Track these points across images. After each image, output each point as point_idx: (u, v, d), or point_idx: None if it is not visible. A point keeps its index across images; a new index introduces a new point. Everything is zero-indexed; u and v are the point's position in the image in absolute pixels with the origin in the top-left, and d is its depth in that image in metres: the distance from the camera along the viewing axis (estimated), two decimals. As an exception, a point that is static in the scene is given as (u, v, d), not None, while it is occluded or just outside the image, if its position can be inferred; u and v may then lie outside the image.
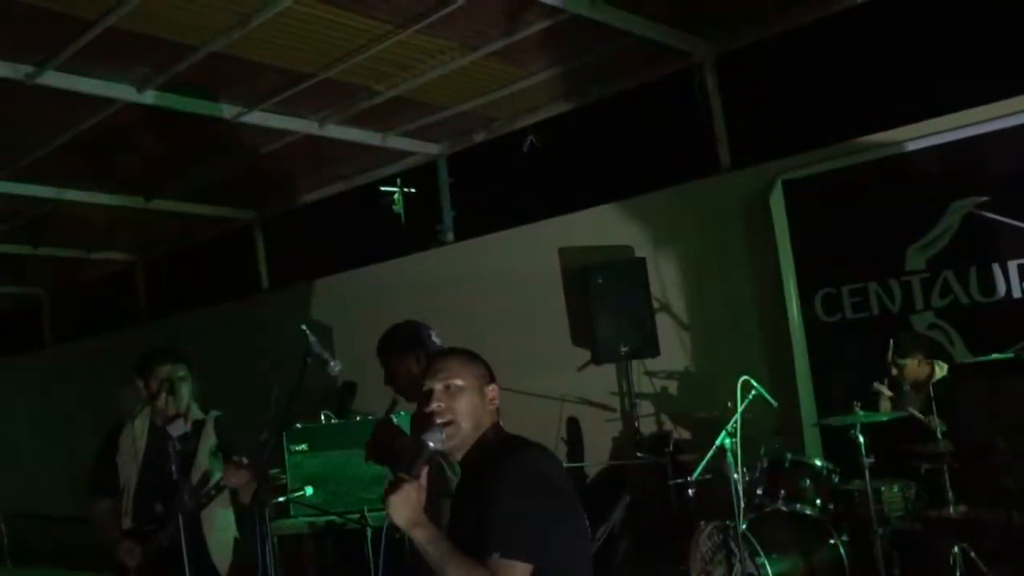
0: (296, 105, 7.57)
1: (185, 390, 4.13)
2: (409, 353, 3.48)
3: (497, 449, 2.50)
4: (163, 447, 4.06)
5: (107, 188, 9.26)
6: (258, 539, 4.13)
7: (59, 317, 14.31)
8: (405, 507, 2.32)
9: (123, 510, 4.10)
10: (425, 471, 2.41)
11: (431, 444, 2.44)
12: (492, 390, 2.61)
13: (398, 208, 14.00)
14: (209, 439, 4.13)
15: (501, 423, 2.65)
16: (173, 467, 2.53)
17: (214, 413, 4.25)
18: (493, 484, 2.36)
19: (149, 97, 6.97)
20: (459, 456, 2.57)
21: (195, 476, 4.07)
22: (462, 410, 2.52)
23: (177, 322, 11.69)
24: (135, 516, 4.07)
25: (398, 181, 12.03)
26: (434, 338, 3.58)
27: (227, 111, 7.43)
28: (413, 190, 9.32)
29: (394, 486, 2.35)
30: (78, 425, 11.81)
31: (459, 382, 2.55)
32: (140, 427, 4.13)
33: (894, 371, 5.45)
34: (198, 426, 4.15)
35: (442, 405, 2.52)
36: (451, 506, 2.61)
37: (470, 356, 2.67)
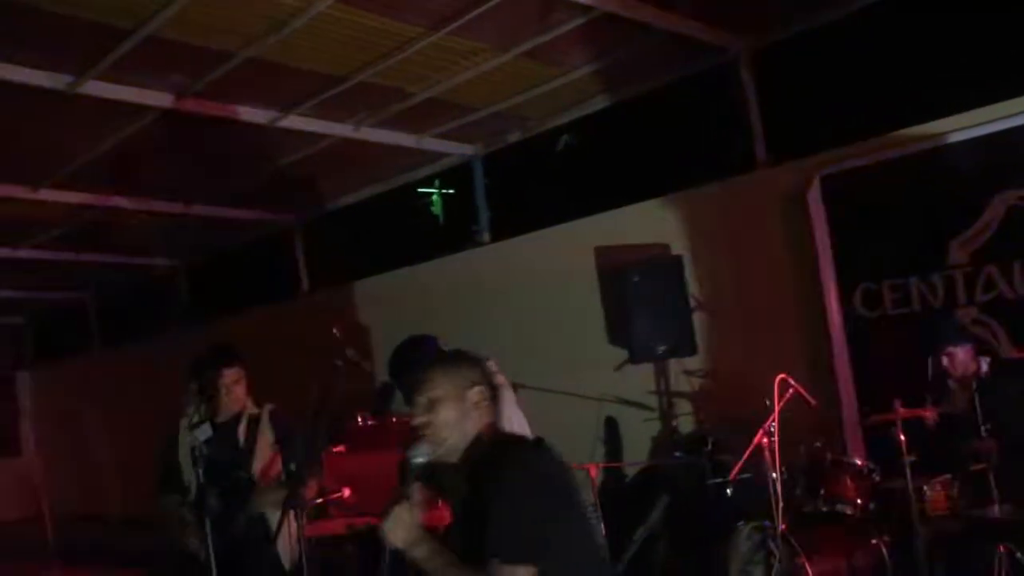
0: (332, 109, 7.62)
1: (239, 391, 4.20)
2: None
3: (491, 451, 2.51)
4: (222, 445, 4.15)
5: (147, 195, 9.39)
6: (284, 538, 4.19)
7: (106, 321, 14.57)
8: (398, 528, 2.38)
9: (186, 507, 4.18)
10: (417, 487, 2.46)
11: (416, 459, 2.48)
12: (475, 393, 2.61)
13: (436, 210, 14.11)
14: (266, 432, 4.21)
15: (506, 424, 2.68)
16: (200, 471, 2.56)
17: (268, 406, 4.32)
18: (491, 487, 2.37)
19: (187, 104, 7.05)
20: (456, 460, 2.59)
21: (256, 468, 4.14)
22: (441, 421, 2.55)
23: (219, 325, 11.83)
24: (197, 511, 4.14)
25: (436, 183, 12.11)
26: (442, 347, 3.49)
27: (264, 116, 7.49)
28: (451, 191, 9.34)
29: (384, 511, 2.40)
30: (127, 427, 12.05)
31: (437, 393, 2.59)
32: (200, 431, 4.20)
33: (944, 361, 5.29)
34: (254, 421, 4.23)
35: (423, 419, 2.56)
36: (454, 513, 2.62)
37: (452, 364, 2.71)
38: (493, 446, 2.53)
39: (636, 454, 7.83)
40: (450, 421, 2.55)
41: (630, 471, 7.87)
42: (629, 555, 6.97)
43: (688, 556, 6.40)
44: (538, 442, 2.65)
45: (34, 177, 8.51)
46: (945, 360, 5.19)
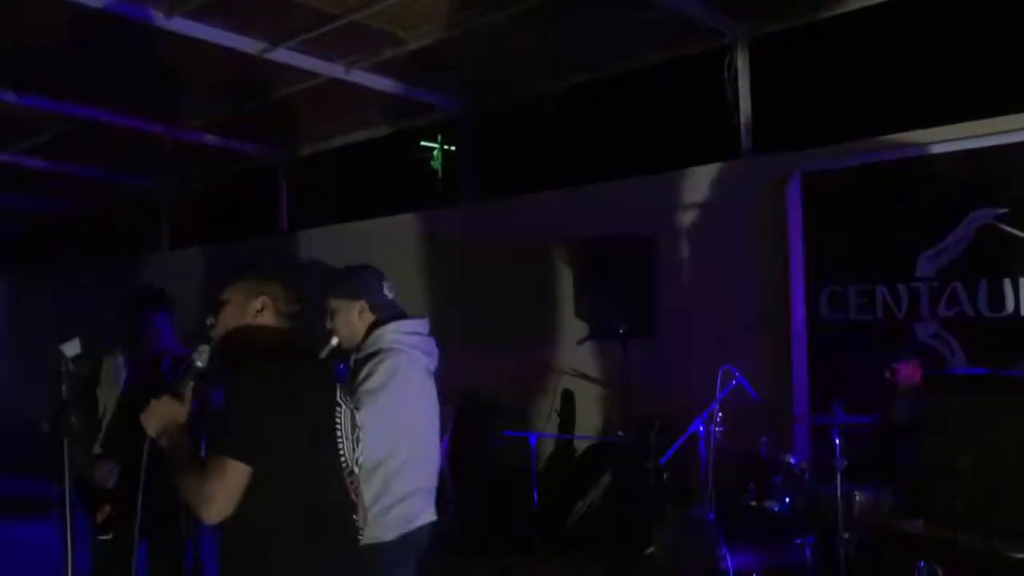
0: (323, 46, 7.51)
1: (167, 334, 4.20)
2: (353, 301, 3.32)
3: (247, 356, 2.61)
4: (142, 379, 4.12)
5: (132, 112, 9.26)
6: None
7: (85, 237, 14.50)
8: (152, 419, 2.54)
9: (97, 438, 4.16)
10: (189, 385, 2.60)
11: (197, 361, 2.64)
12: (259, 302, 2.72)
13: (436, 164, 14.02)
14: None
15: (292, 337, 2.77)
16: (63, 387, 2.53)
17: (203, 348, 4.29)
18: (227, 387, 2.49)
19: (176, 24, 6.93)
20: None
21: None
22: (220, 322, 2.73)
23: (196, 254, 11.79)
24: (105, 444, 4.12)
25: (439, 138, 12.02)
26: (386, 291, 3.38)
27: (253, 46, 7.38)
28: (452, 148, 9.26)
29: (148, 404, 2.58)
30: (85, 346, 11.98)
31: (225, 296, 2.75)
32: (123, 361, 4.20)
33: (888, 374, 5.31)
34: (176, 362, 4.22)
35: (210, 320, 2.76)
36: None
37: (249, 275, 2.81)
38: (255, 352, 2.63)
39: (588, 429, 7.83)
40: (224, 324, 2.72)
41: (579, 445, 7.89)
42: (569, 525, 7.02)
43: (622, 535, 6.42)
44: (297, 354, 2.74)
45: (14, 79, 8.37)
46: (888, 373, 5.21)
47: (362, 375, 3.18)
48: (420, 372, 3.34)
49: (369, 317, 3.33)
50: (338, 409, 2.66)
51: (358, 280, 3.37)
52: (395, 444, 3.18)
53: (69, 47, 7.52)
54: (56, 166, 11.23)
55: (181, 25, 6.94)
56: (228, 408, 2.41)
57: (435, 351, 3.46)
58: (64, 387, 2.65)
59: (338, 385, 2.73)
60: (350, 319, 3.32)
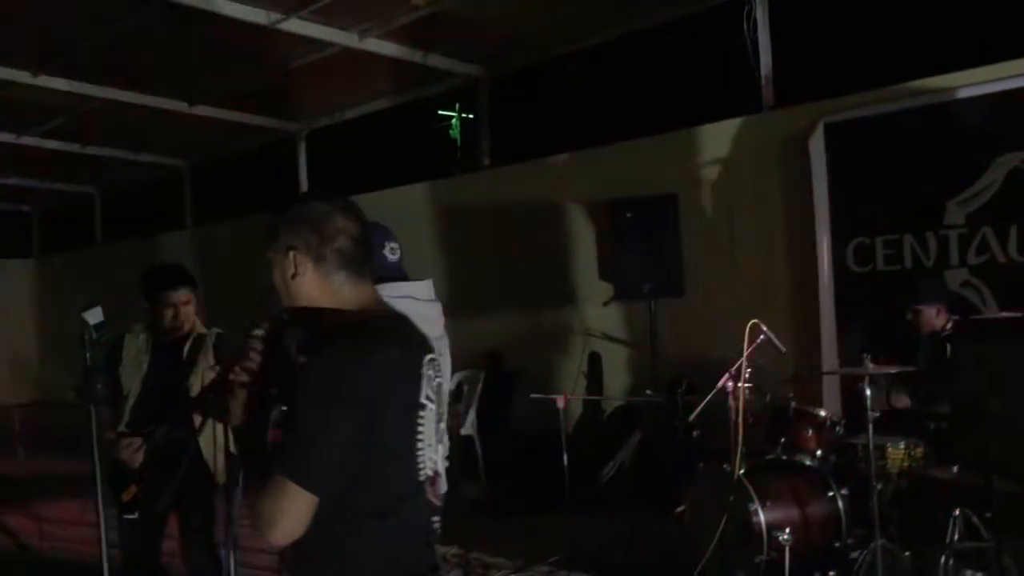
0: (335, 15, 7.45)
1: (189, 311, 4.17)
2: None
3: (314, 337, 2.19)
4: (165, 360, 4.12)
5: (150, 90, 9.27)
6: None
7: (110, 216, 14.60)
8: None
9: (121, 417, 4.17)
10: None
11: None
12: (290, 261, 2.16)
13: (455, 133, 13.95)
14: (209, 352, 4.18)
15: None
16: (88, 355, 2.52)
17: (216, 331, 4.29)
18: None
19: (187, -4, 6.90)
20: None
21: (193, 383, 4.13)
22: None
23: (219, 228, 11.84)
24: (131, 423, 4.14)
25: (456, 106, 11.96)
26: (387, 251, 3.15)
27: (264, 17, 7.33)
28: (470, 116, 9.19)
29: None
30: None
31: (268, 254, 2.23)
32: (145, 340, 4.19)
33: (909, 316, 5.23)
34: (199, 341, 4.22)
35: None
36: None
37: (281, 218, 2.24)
38: (323, 334, 2.14)
39: (616, 390, 7.83)
40: (281, 292, 2.22)
41: (608, 406, 7.89)
42: (599, 486, 7.03)
43: (653, 494, 6.42)
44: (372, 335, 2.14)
45: (34, 62, 8.39)
46: (910, 316, 5.13)
47: None
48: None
49: None
50: (421, 410, 2.23)
51: None
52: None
53: (84, 26, 7.51)
54: (77, 147, 11.29)
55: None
56: (292, 416, 2.03)
57: (435, 315, 3.23)
58: (88, 354, 2.62)
59: (424, 375, 2.24)
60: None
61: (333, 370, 2.02)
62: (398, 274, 3.16)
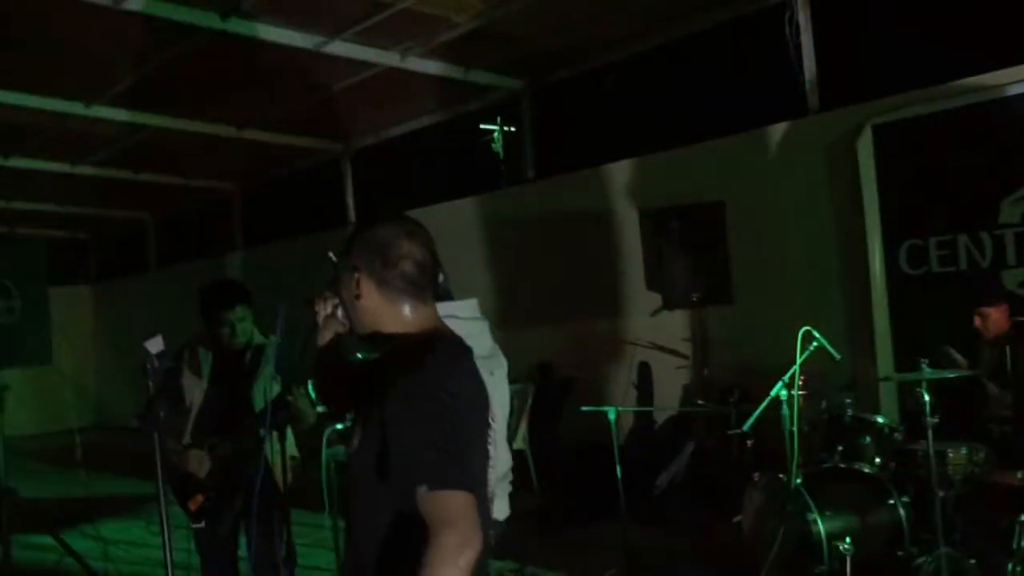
0: (377, 36, 7.55)
1: (246, 327, 4.24)
2: None
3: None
4: (226, 371, 4.19)
5: (199, 117, 9.46)
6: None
7: (162, 242, 14.90)
8: None
9: (186, 428, 4.25)
10: None
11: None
12: (355, 282, 2.20)
13: (497, 147, 14.01)
14: (268, 364, 4.23)
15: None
16: (150, 383, 2.57)
17: (275, 339, 4.34)
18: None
19: (233, 24, 7.03)
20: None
21: (257, 399, 4.19)
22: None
23: (268, 250, 12.01)
24: (194, 435, 4.22)
25: (498, 120, 12.03)
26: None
27: (309, 42, 7.45)
28: (512, 129, 9.25)
29: None
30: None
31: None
32: (205, 354, 4.27)
33: (977, 320, 5.13)
34: (258, 351, 4.27)
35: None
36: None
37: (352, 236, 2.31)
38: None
39: (667, 400, 7.78)
40: (351, 316, 2.27)
41: (659, 417, 7.84)
42: (654, 497, 6.98)
43: (707, 505, 6.36)
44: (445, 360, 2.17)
45: (87, 93, 8.61)
46: (978, 320, 5.03)
47: None
48: None
49: None
50: (489, 429, 2.26)
51: None
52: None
53: (134, 56, 7.69)
54: (130, 174, 11.55)
55: (238, 26, 7.04)
56: (399, 434, 2.01)
57: (476, 333, 3.22)
58: (151, 383, 2.67)
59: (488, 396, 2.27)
60: None
61: (434, 383, 2.01)
62: (443, 296, 3.16)
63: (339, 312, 2.30)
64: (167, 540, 2.74)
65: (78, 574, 5.47)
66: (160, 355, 2.74)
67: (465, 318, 3.14)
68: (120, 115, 9.10)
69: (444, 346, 2.17)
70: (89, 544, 6.01)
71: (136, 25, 6.95)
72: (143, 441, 3.07)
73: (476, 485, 2.06)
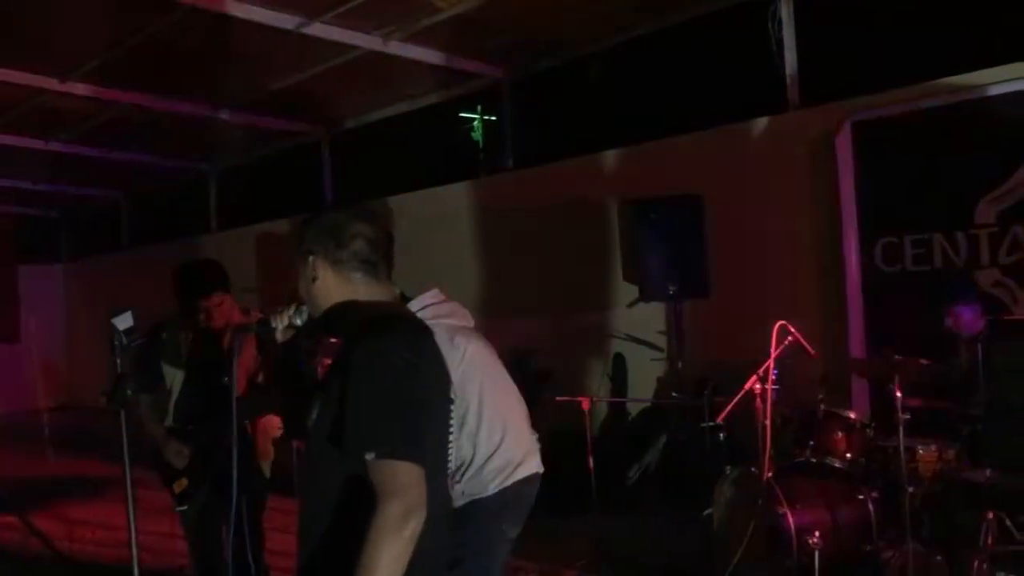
0: (358, 19, 7.47)
1: (223, 310, 4.17)
2: None
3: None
4: (207, 352, 4.13)
5: (175, 95, 9.34)
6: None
7: (136, 221, 14.75)
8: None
9: (166, 411, 4.20)
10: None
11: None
12: (311, 267, 2.27)
13: (477, 135, 13.99)
14: (252, 340, 4.18)
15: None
16: (118, 361, 2.53)
17: (257, 315, 4.27)
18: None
19: (212, 2, 6.93)
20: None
21: (237, 380, 4.13)
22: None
23: (243, 233, 11.90)
24: (176, 417, 4.16)
25: (479, 109, 11.97)
26: None
27: (290, 22, 7.36)
28: (493, 118, 9.19)
29: None
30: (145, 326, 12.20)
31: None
32: (184, 335, 4.20)
33: (949, 320, 5.15)
34: (239, 331, 4.21)
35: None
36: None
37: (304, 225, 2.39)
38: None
39: (641, 392, 7.79)
40: (306, 299, 2.32)
41: (633, 408, 7.85)
42: (626, 488, 6.99)
43: (680, 497, 6.37)
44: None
45: (61, 68, 8.47)
46: (950, 320, 5.05)
47: None
48: (445, 332, 3.06)
49: None
50: (451, 405, 2.35)
51: None
52: (460, 406, 3.10)
53: (110, 32, 7.58)
54: (104, 152, 11.40)
55: (217, 4, 6.94)
56: (353, 401, 2.02)
57: (457, 310, 3.32)
58: (119, 360, 2.64)
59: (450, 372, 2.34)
60: None
61: (392, 352, 2.05)
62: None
63: (297, 319, 2.37)
64: (132, 521, 2.70)
65: (43, 555, 5.41)
66: (128, 331, 2.69)
67: (438, 302, 3.22)
68: (95, 92, 8.96)
69: (403, 320, 2.24)
70: (56, 525, 5.95)
71: (112, 1, 6.84)
72: (116, 422, 3.03)
73: (432, 457, 2.09)
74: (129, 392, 2.65)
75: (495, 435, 3.23)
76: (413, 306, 3.08)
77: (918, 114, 6.03)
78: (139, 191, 14.28)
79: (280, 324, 2.41)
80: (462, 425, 3.14)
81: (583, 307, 8.22)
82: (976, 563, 4.41)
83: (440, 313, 3.18)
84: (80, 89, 8.84)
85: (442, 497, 2.23)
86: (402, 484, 1.95)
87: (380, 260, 2.29)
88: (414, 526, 1.93)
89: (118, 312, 2.66)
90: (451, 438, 2.31)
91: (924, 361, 4.64)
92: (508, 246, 8.74)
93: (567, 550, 5.72)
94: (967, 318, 4.99)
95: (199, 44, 7.88)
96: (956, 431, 4.92)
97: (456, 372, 3.12)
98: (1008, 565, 4.55)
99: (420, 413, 2.06)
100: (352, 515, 1.99)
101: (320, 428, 2.12)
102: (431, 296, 3.23)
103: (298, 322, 2.39)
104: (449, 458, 2.31)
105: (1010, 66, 5.72)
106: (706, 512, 5.40)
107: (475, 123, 15.53)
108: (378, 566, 1.89)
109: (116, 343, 2.69)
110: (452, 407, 2.35)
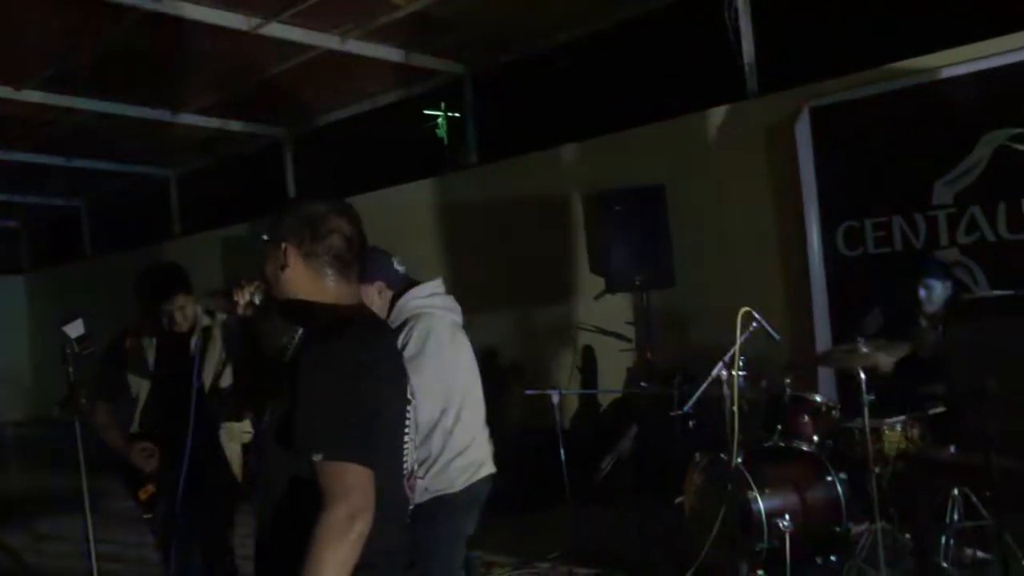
0: (315, 18, 7.42)
1: (187, 313, 4.13)
2: (371, 283, 3.36)
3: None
4: (173, 357, 4.09)
5: (133, 100, 9.24)
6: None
7: (97, 228, 14.57)
8: None
9: (132, 419, 4.15)
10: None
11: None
12: (281, 253, 2.24)
13: (442, 132, 13.94)
14: (218, 342, 4.15)
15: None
16: (70, 370, 2.49)
17: (221, 317, 4.23)
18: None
19: (165, 5, 6.86)
20: None
21: (206, 378, 4.09)
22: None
23: (207, 237, 11.79)
24: (141, 424, 4.12)
25: (443, 106, 11.93)
26: (396, 265, 3.45)
27: (245, 23, 7.30)
28: (457, 115, 9.17)
29: None
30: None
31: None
32: (148, 341, 4.15)
33: (922, 292, 5.16)
34: (205, 333, 4.17)
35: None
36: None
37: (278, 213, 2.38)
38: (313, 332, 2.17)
39: (611, 383, 7.81)
40: (274, 287, 2.29)
41: (604, 400, 7.87)
42: (598, 479, 7.00)
43: (651, 485, 6.40)
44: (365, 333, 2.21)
45: (17, 76, 8.35)
46: (923, 292, 5.03)
47: (399, 344, 3.24)
48: (449, 327, 3.45)
49: (388, 294, 3.44)
50: (408, 406, 2.31)
51: (372, 263, 3.39)
52: (446, 401, 3.30)
53: (65, 39, 7.47)
54: (63, 160, 11.25)
55: (172, 7, 6.87)
56: (309, 402, 2.01)
57: (456, 306, 3.56)
58: (71, 369, 2.59)
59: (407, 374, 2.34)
60: (372, 300, 3.38)
61: (345, 355, 2.04)
62: (410, 280, 3.47)
63: (257, 297, 2.30)
64: (90, 533, 2.67)
65: (8, 570, 5.33)
66: (81, 339, 2.65)
67: (443, 293, 3.51)
68: (52, 99, 8.84)
69: (363, 321, 2.22)
70: (21, 538, 5.87)
71: (66, 7, 6.75)
72: (69, 432, 2.99)
73: (384, 459, 2.08)
74: (83, 400, 2.60)
75: (466, 437, 3.36)
76: (421, 291, 3.40)
77: (874, 99, 6.09)
78: (100, 198, 14.10)
79: (242, 299, 2.39)
80: (439, 420, 3.27)
81: (551, 300, 8.23)
82: (943, 540, 4.48)
83: (447, 305, 3.46)
84: (37, 97, 8.72)
85: (397, 498, 2.22)
86: (348, 486, 1.93)
87: (353, 260, 2.26)
88: (360, 529, 1.91)
89: (69, 319, 2.62)
90: (407, 438, 2.29)
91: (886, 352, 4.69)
92: (474, 242, 8.73)
93: (541, 543, 5.73)
94: (939, 293, 5.01)
95: (156, 48, 7.80)
96: (920, 410, 4.98)
97: (454, 368, 3.36)
98: (975, 541, 4.63)
99: (371, 415, 2.04)
100: (301, 518, 1.96)
101: (271, 428, 2.10)
102: (437, 285, 3.47)
103: (256, 301, 2.38)
104: (405, 459, 2.28)
105: (961, 48, 5.79)
106: (678, 500, 5.43)
107: (439, 120, 15.61)
108: (323, 570, 1.87)
109: (68, 351, 2.64)
110: (409, 408, 2.33)
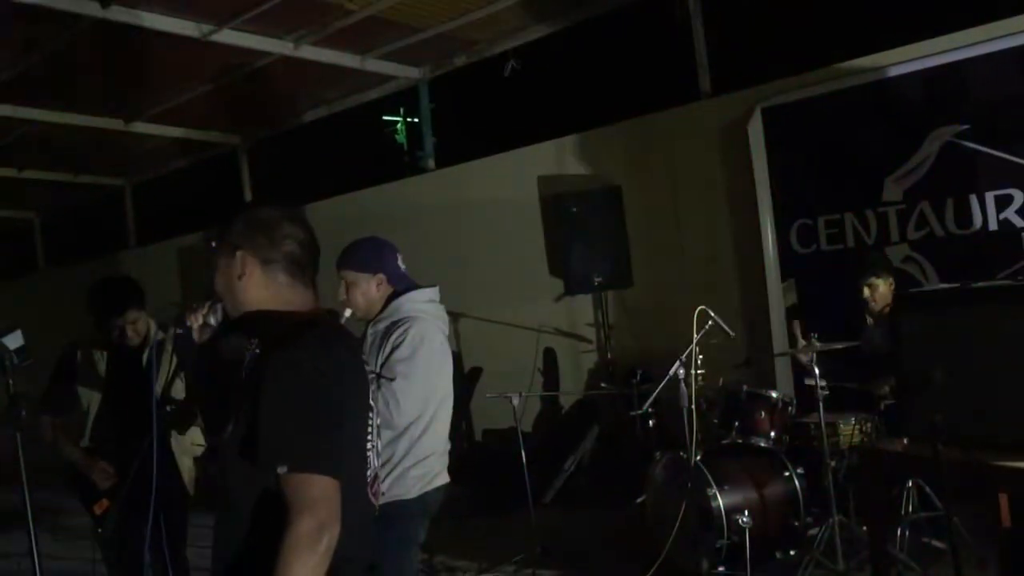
0: (268, 24, 7.36)
1: (138, 327, 4.10)
2: (372, 274, 3.35)
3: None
4: (124, 370, 4.05)
5: (84, 110, 9.10)
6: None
7: (51, 241, 14.34)
8: None
9: (84, 432, 4.11)
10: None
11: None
12: (238, 263, 2.20)
13: (401, 138, 13.91)
14: (169, 357, 4.11)
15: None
16: (10, 382, 2.46)
17: (174, 330, 4.19)
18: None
19: (115, 12, 6.77)
20: None
21: (158, 389, 4.05)
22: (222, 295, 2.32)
23: (163, 247, 11.66)
24: (93, 437, 4.07)
25: (401, 111, 11.90)
26: (399, 263, 3.44)
27: (195, 30, 7.23)
28: (416, 120, 9.12)
29: None
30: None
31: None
32: (100, 354, 4.12)
33: (866, 291, 5.28)
34: (159, 346, 4.13)
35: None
36: None
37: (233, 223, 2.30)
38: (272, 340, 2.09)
39: (573, 384, 7.84)
40: (226, 297, 2.26)
41: (566, 401, 7.89)
42: (558, 483, 7.02)
43: (613, 486, 6.43)
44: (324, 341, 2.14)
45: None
46: (867, 291, 5.17)
47: (391, 343, 3.26)
48: (440, 337, 3.42)
49: (387, 289, 3.41)
50: (371, 411, 2.29)
51: (378, 254, 3.41)
52: (423, 408, 3.28)
53: (14, 48, 7.35)
54: (13, 172, 11.06)
55: (120, 14, 6.77)
56: (272, 412, 1.97)
57: (447, 317, 3.53)
58: (11, 381, 2.55)
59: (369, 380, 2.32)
60: (368, 291, 3.38)
61: (307, 362, 2.00)
62: (410, 282, 3.46)
63: (212, 318, 2.27)
64: (34, 545, 2.63)
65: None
66: (19, 351, 2.61)
67: (438, 302, 3.49)
68: (2, 109, 8.68)
69: (322, 327, 2.16)
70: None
71: (15, 16, 6.63)
72: (29, 449, 2.94)
73: (349, 467, 2.06)
74: (23, 413, 2.56)
75: (430, 447, 3.34)
76: (422, 295, 3.40)
77: (825, 98, 6.17)
78: (53, 210, 13.88)
79: (195, 323, 2.36)
80: (409, 426, 3.25)
81: (511, 303, 8.23)
82: (899, 531, 4.55)
83: (440, 315, 3.45)
84: (-16, 106, 8.58)
85: (361, 506, 2.20)
86: (314, 498, 1.90)
87: (308, 265, 2.24)
88: (328, 541, 1.88)
89: (7, 331, 2.58)
90: (369, 445, 2.28)
91: (838, 346, 4.77)
92: (435, 246, 8.70)
93: (506, 546, 5.73)
94: (883, 291, 5.13)
95: (106, 57, 7.69)
96: (873, 404, 5.06)
97: (437, 378, 3.33)
98: (930, 531, 4.71)
99: (335, 424, 2.01)
100: (266, 531, 1.93)
101: (233, 441, 2.06)
102: (435, 293, 3.48)
103: (212, 321, 2.35)
104: (368, 465, 2.27)
105: (906, 47, 5.89)
106: (639, 499, 5.47)
107: (398, 125, 15.58)
108: None
109: (7, 363, 2.60)
110: (372, 414, 2.31)
